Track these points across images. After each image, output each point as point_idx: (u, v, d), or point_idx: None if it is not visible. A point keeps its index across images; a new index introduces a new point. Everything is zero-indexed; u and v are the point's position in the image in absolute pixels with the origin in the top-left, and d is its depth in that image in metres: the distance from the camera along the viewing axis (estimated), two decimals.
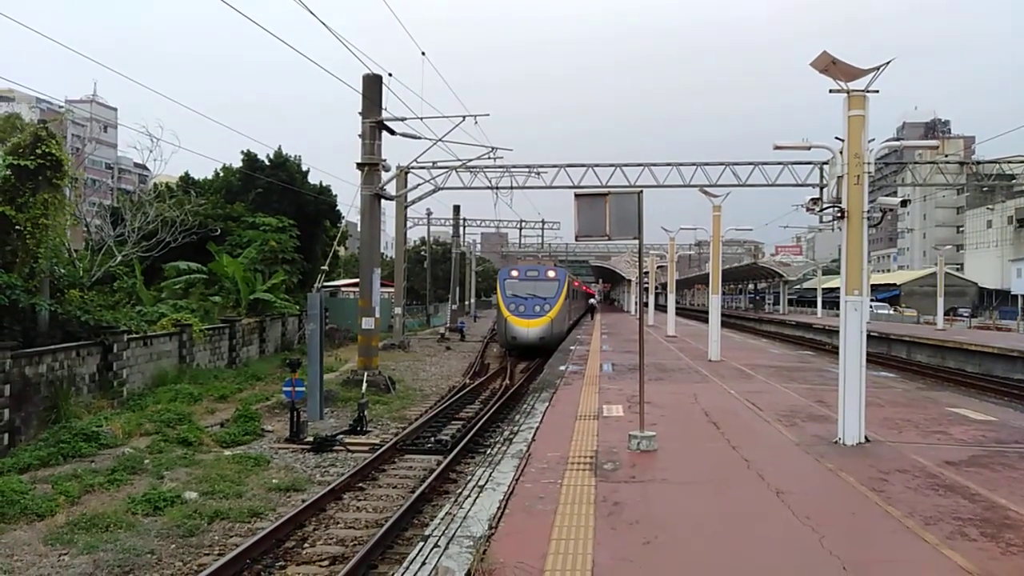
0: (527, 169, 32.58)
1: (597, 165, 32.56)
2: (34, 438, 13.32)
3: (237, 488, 10.92)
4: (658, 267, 51.69)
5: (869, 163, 9.97)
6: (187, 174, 38.88)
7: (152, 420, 14.68)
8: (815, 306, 66.88)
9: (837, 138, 10.16)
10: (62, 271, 18.40)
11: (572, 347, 27.24)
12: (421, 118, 22.75)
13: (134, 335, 17.91)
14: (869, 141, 10.00)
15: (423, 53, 23.76)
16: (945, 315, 47.14)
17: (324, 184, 38.99)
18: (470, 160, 28.58)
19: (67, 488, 10.42)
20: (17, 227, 15.08)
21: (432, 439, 14.77)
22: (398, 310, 36.88)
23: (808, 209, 12.61)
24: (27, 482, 10.56)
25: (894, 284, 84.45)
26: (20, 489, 9.95)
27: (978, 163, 38.04)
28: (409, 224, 48.89)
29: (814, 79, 9.74)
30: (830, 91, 9.99)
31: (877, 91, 9.83)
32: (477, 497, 7.61)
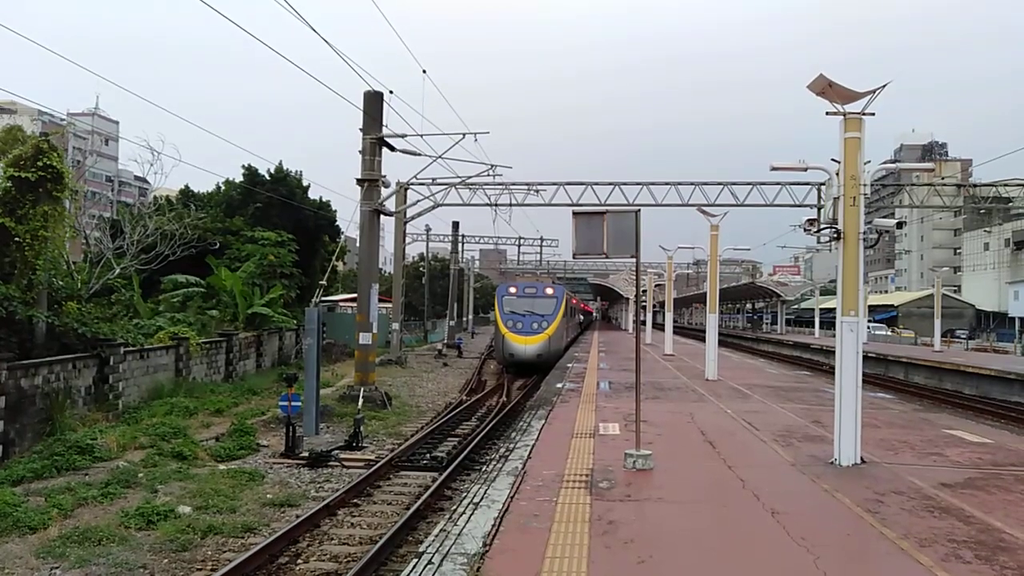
0: (526, 187, 32.67)
1: (596, 183, 32.67)
2: (28, 450, 13.27)
3: (231, 503, 10.87)
4: (656, 286, 51.79)
5: (865, 185, 10.06)
6: (187, 187, 39.06)
7: (147, 433, 14.62)
8: (813, 326, 66.93)
9: (833, 159, 10.25)
10: (60, 283, 18.40)
11: (569, 364, 27.23)
12: (421, 135, 22.88)
13: (131, 348, 17.89)
14: (865, 163, 10.09)
15: (424, 71, 23.94)
16: (943, 337, 47.22)
17: (324, 199, 39.19)
18: (469, 177, 28.67)
19: (60, 501, 10.36)
20: (16, 239, 15.10)
21: (428, 456, 14.72)
22: (396, 326, 36.85)
23: (805, 230, 12.67)
24: (20, 494, 10.51)
25: (892, 305, 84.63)
26: (13, 501, 9.91)
27: (975, 185, 38.22)
28: (408, 240, 48.97)
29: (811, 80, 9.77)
30: (827, 113, 10.09)
31: (873, 114, 9.93)
32: (472, 514, 7.60)
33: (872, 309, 72.02)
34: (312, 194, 37.97)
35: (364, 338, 21.74)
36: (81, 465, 12.48)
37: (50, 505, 10.20)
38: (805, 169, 11.70)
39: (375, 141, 21.82)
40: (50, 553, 8.66)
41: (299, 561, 8.89)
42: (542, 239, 72.00)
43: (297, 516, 10.35)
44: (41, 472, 11.94)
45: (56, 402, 14.50)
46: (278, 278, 30.26)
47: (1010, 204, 41.79)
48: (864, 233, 10.23)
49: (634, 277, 11.29)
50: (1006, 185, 36.53)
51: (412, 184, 31.41)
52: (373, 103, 21.79)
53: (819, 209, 27.08)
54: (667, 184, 32.38)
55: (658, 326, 60.33)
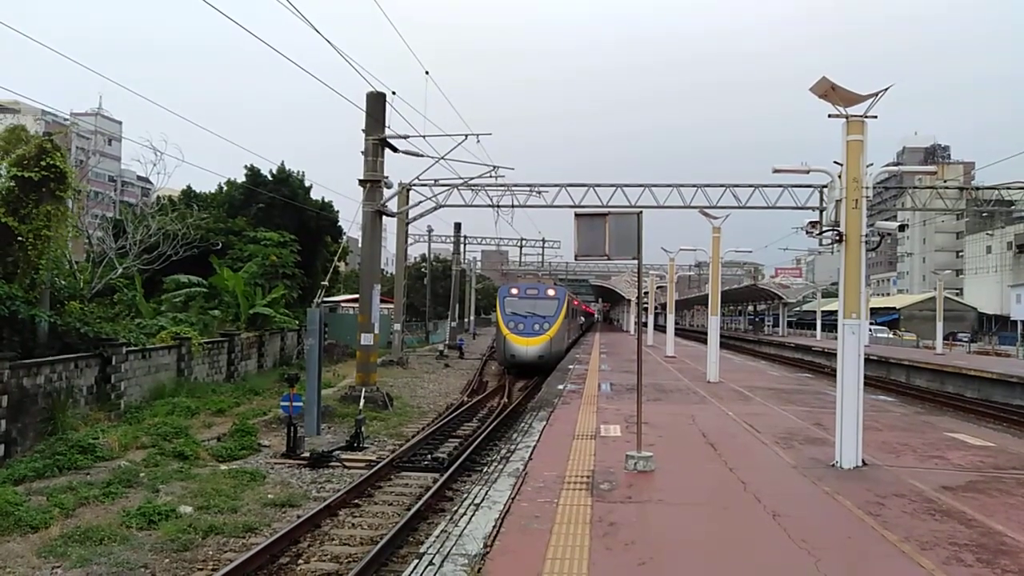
0: (528, 188, 32.64)
1: (598, 185, 32.65)
2: (30, 449, 13.29)
3: (232, 503, 10.88)
4: (658, 287, 51.77)
5: (867, 187, 10.04)
6: (190, 187, 39.13)
7: (149, 433, 14.65)
8: (815, 328, 66.88)
9: (836, 162, 10.25)
10: (63, 283, 18.43)
11: (571, 366, 27.23)
12: (424, 136, 22.87)
13: (133, 348, 17.91)
14: (868, 166, 10.08)
15: (427, 72, 23.95)
16: (944, 340, 47.15)
17: (326, 200, 39.25)
18: (472, 178, 28.64)
19: (62, 500, 10.38)
20: (19, 238, 15.13)
21: (429, 456, 14.73)
22: (397, 326, 36.87)
23: (807, 232, 12.68)
24: (22, 494, 10.53)
25: (893, 308, 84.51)
26: (15, 501, 9.92)
27: (977, 188, 38.14)
28: (410, 241, 48.92)
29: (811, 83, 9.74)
30: (829, 116, 10.08)
31: (875, 116, 9.93)
32: (473, 515, 7.60)
33: (874, 312, 71.85)
34: (314, 195, 38.08)
35: (366, 339, 21.75)
36: (83, 464, 12.50)
37: (52, 504, 10.22)
38: (807, 172, 11.68)
39: (377, 142, 21.83)
40: (51, 552, 8.68)
41: (300, 561, 8.90)
42: (544, 240, 72.02)
43: (298, 516, 10.36)
44: (43, 471, 11.96)
45: (58, 401, 14.52)
46: (280, 278, 30.29)
47: (1013, 207, 41.72)
48: (866, 236, 10.22)
49: (636, 279, 11.30)
50: (1008, 188, 36.45)
51: (414, 185, 31.43)
52: (376, 104, 21.81)
53: (821, 211, 27.07)
54: (669, 186, 32.35)
55: (660, 328, 60.33)
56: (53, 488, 11.03)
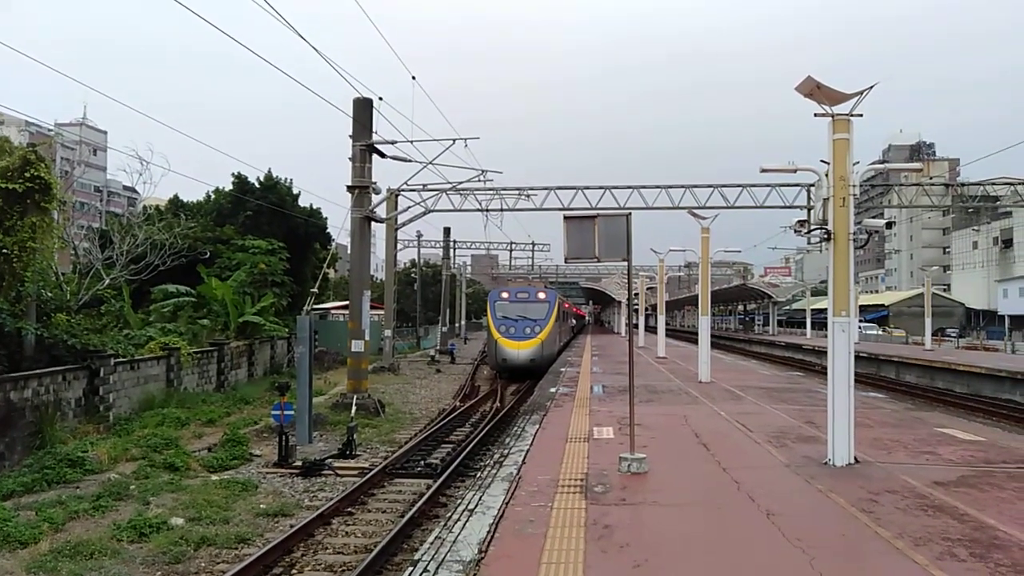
0: (517, 191, 32.67)
1: (587, 187, 32.71)
2: (18, 464, 13.16)
3: (224, 514, 10.80)
4: (648, 288, 51.87)
5: (854, 185, 10.08)
6: (177, 197, 38.99)
7: (138, 445, 14.53)
8: (804, 327, 67.20)
9: (823, 161, 10.29)
10: (49, 295, 18.30)
11: (563, 369, 27.22)
12: (411, 141, 22.86)
13: (121, 359, 17.78)
14: (854, 164, 10.12)
15: (413, 77, 23.97)
16: (933, 335, 47.47)
17: (314, 206, 39.20)
18: (460, 183, 28.62)
19: (51, 515, 10.27)
20: (4, 250, 15.00)
21: (422, 462, 14.67)
22: (388, 332, 36.77)
23: (795, 231, 12.74)
24: (10, 509, 10.40)
25: (882, 305, 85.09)
26: (3, 516, 9.80)
27: (963, 185, 38.46)
28: (399, 246, 48.83)
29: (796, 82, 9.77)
30: (815, 115, 10.12)
31: (861, 115, 9.97)
32: (467, 521, 7.57)
33: (863, 309, 72.32)
34: (302, 201, 38.04)
35: (356, 345, 21.67)
36: (72, 478, 12.38)
37: (41, 519, 10.10)
38: (795, 171, 11.73)
39: (365, 148, 21.79)
40: (41, 568, 8.58)
41: (293, 571, 8.83)
42: (533, 244, 71.92)
43: (291, 526, 10.29)
44: (31, 486, 11.84)
45: (46, 415, 14.39)
46: (269, 286, 30.17)
47: (998, 203, 42.06)
48: (854, 233, 10.25)
49: (626, 280, 11.31)
50: (993, 184, 36.74)
51: (403, 190, 31.41)
52: (363, 110, 21.78)
53: (809, 210, 27.20)
54: (657, 187, 32.44)
55: (651, 329, 60.42)
56: (42, 502, 10.92)
